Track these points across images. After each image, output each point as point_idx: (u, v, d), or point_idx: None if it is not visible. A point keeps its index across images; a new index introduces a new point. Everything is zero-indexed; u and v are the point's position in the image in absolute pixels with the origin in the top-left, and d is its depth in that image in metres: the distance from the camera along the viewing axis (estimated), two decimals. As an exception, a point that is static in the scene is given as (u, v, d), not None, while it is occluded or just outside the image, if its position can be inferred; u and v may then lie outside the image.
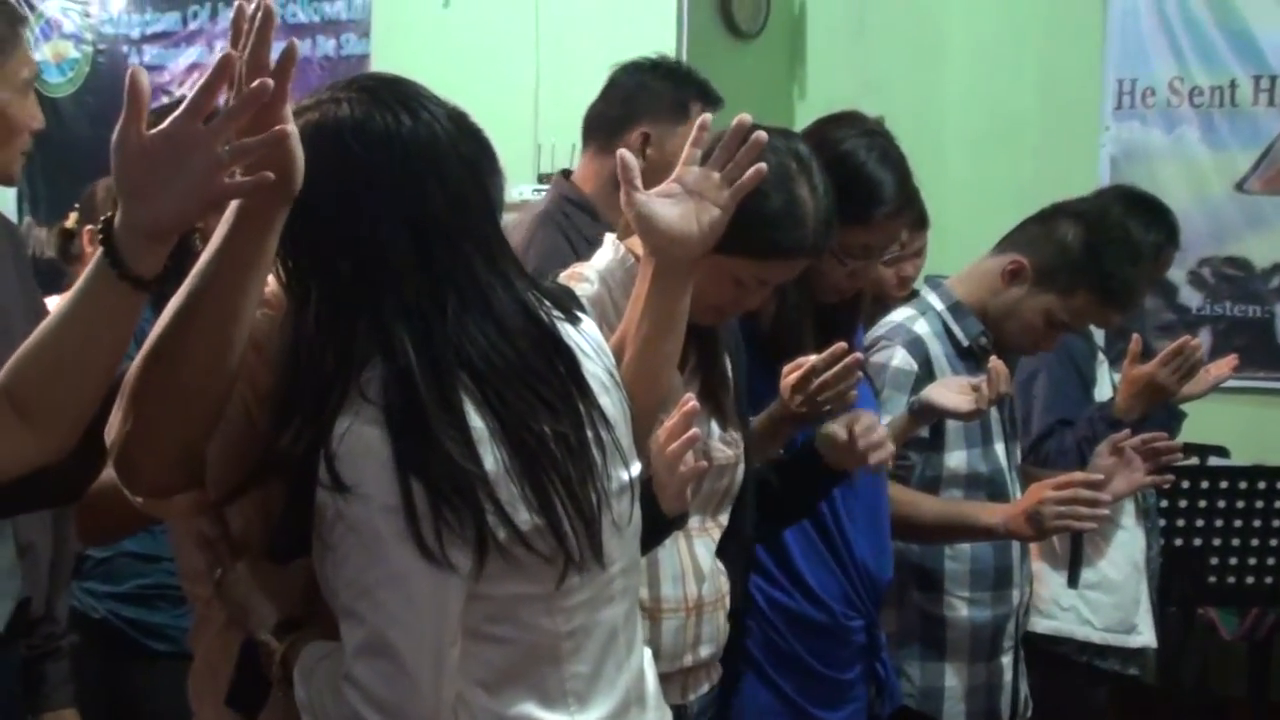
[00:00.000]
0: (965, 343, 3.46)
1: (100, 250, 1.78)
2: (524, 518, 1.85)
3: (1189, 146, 5.95)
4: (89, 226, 3.83)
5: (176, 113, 1.70)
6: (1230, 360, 4.16)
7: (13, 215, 7.13)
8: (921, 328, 3.43)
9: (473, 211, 1.94)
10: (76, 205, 3.99)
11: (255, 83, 1.69)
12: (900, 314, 3.54)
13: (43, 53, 7.27)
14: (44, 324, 1.86)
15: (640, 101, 3.49)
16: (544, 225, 3.39)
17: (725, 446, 2.64)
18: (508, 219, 2.90)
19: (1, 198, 6.95)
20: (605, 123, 3.53)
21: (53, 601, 2.89)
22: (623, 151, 2.25)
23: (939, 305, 3.51)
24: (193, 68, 6.98)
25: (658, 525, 2.23)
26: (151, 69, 7.10)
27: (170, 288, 1.85)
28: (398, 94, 1.94)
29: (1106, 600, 4.01)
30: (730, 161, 2.22)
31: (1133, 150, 6.04)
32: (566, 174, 3.65)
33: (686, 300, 2.30)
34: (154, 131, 1.70)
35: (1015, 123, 6.20)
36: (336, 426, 1.81)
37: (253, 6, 1.86)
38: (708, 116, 2.26)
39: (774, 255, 2.50)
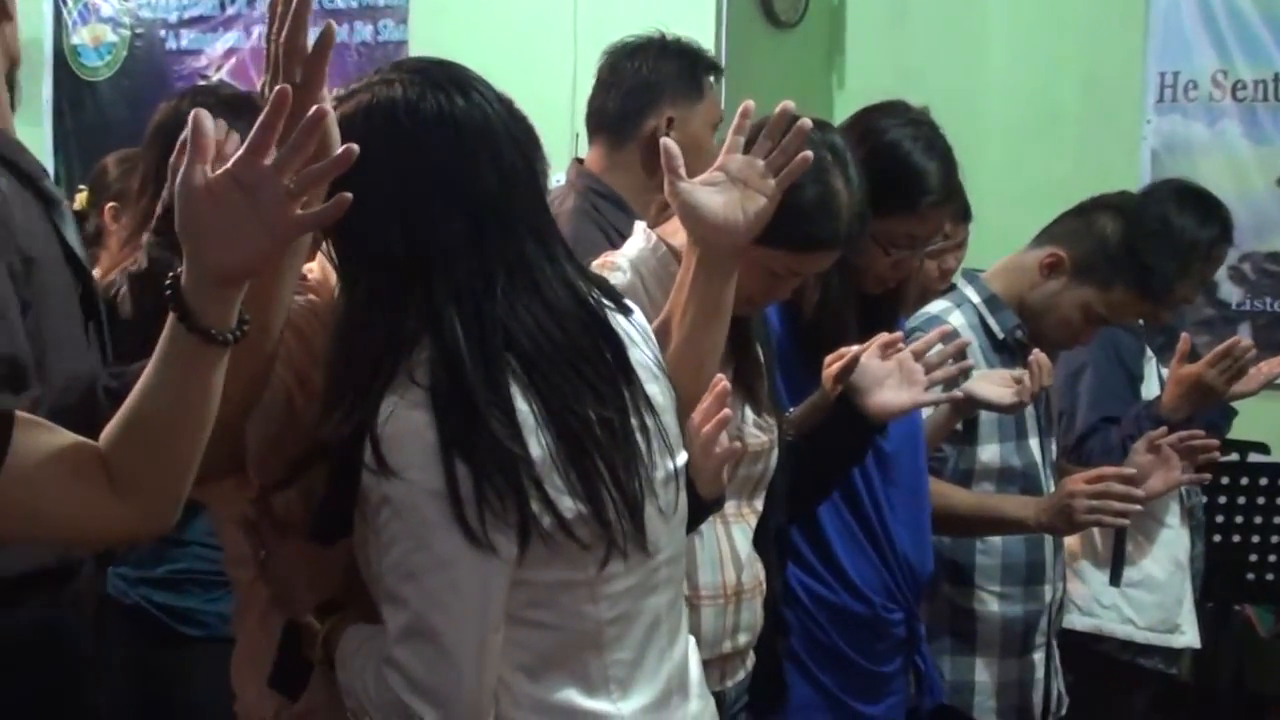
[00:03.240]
0: (1000, 336, 3.45)
1: (171, 309, 1.70)
2: (568, 504, 1.85)
3: (1231, 140, 5.90)
4: (110, 204, 3.83)
5: (239, 153, 1.64)
6: None
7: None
8: (957, 320, 3.41)
9: (524, 193, 1.94)
10: (82, 186, 3.97)
11: (312, 110, 1.64)
12: (935, 306, 3.53)
13: (81, 36, 7.29)
14: (132, 392, 1.78)
15: (657, 87, 3.46)
16: (581, 221, 3.35)
17: (759, 432, 2.63)
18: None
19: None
20: (619, 114, 3.47)
21: None
22: (666, 140, 2.25)
23: (975, 298, 3.49)
24: (230, 52, 6.98)
25: (695, 508, 2.22)
26: (188, 53, 7.11)
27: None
28: (450, 76, 1.94)
29: (1149, 599, 3.99)
30: (775, 149, 2.21)
31: (1174, 144, 5.99)
32: (580, 162, 3.62)
33: (731, 288, 2.30)
34: (219, 172, 1.64)
35: (1055, 115, 6.16)
36: (382, 408, 1.81)
37: None
38: (751, 103, 2.24)
39: (808, 247, 2.49)
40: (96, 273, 3.71)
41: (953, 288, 3.65)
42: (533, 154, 1.97)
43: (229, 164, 1.64)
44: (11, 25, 2.50)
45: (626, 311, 2.07)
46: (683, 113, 3.43)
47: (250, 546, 2.06)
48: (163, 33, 7.19)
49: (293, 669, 2.03)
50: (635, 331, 2.05)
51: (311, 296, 2.06)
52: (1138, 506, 3.25)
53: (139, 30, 7.24)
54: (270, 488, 1.97)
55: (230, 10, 7.00)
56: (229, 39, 7.00)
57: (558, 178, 4.12)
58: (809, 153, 2.21)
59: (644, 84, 3.45)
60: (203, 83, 6.43)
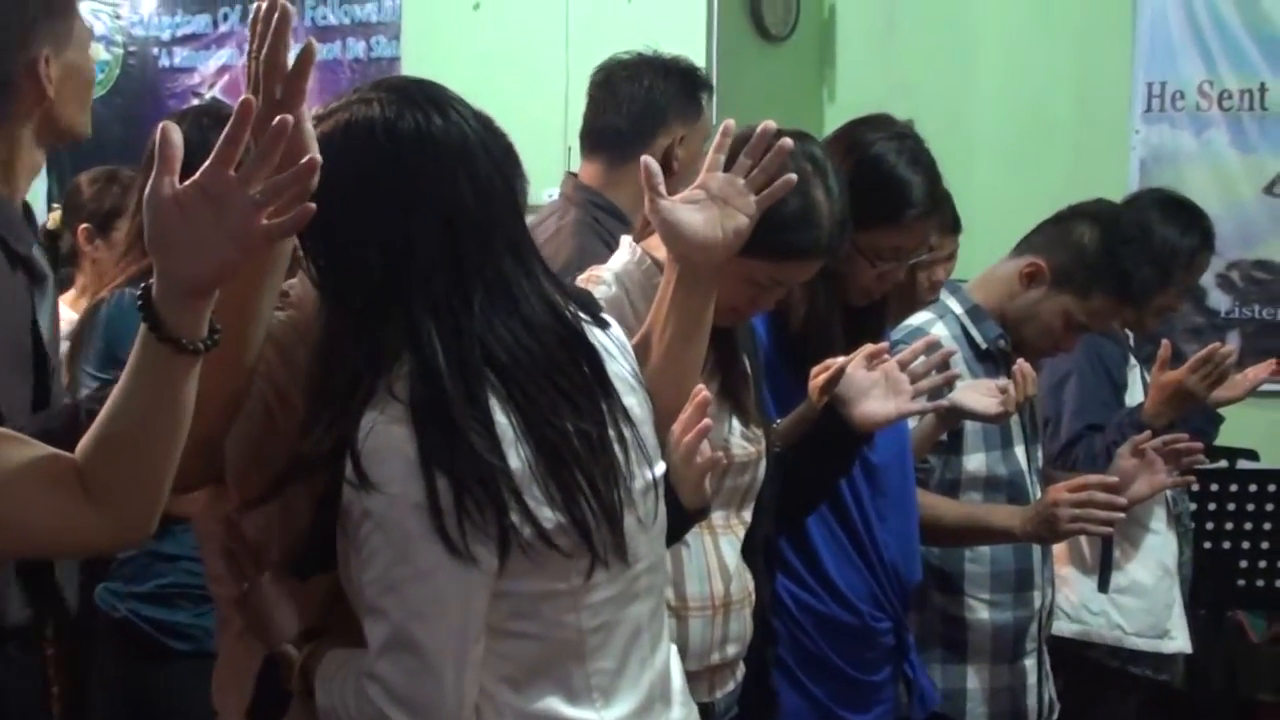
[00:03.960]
0: (984, 346, 3.46)
1: (142, 320, 1.72)
2: (547, 515, 1.87)
3: (1218, 149, 5.93)
4: (83, 226, 3.85)
5: (205, 165, 1.66)
6: (1269, 364, 4.13)
7: (41, 216, 7.16)
8: (940, 331, 3.42)
9: (501, 209, 1.96)
10: (55, 205, 3.98)
11: (276, 120, 1.67)
12: (918, 318, 3.54)
13: (74, 55, 7.30)
14: (106, 404, 1.80)
15: (665, 108, 3.48)
16: (585, 234, 3.37)
17: (747, 443, 2.64)
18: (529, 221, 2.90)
19: (30, 197, 6.99)
20: (631, 133, 3.49)
21: None
22: (646, 158, 2.24)
23: (957, 309, 3.51)
24: (223, 70, 6.99)
25: (679, 519, 2.23)
26: (182, 71, 7.13)
27: None
28: (427, 94, 1.96)
29: (1137, 604, 3.99)
30: (755, 168, 2.23)
31: (1162, 153, 6.02)
32: (574, 176, 3.63)
33: (711, 305, 2.31)
34: (186, 184, 1.66)
35: (1045, 126, 6.18)
36: (362, 424, 1.83)
37: (265, 6, 1.88)
38: (731, 122, 2.25)
39: (789, 257, 2.50)
40: (72, 293, 3.75)
41: (936, 299, 3.68)
42: (511, 171, 1.99)
43: (196, 175, 1.66)
44: (50, 103, 2.54)
45: (604, 325, 2.09)
46: (688, 131, 3.46)
47: (231, 577, 2.07)
48: (155, 50, 7.20)
49: (271, 702, 2.03)
50: (612, 344, 2.07)
51: (292, 312, 2.07)
52: (1121, 514, 3.27)
53: (132, 48, 7.24)
54: (250, 503, 1.98)
55: (223, 28, 7.02)
56: (222, 56, 7.01)
57: (549, 192, 4.16)
58: (793, 175, 2.23)
59: (653, 104, 3.47)
60: (197, 101, 6.45)
